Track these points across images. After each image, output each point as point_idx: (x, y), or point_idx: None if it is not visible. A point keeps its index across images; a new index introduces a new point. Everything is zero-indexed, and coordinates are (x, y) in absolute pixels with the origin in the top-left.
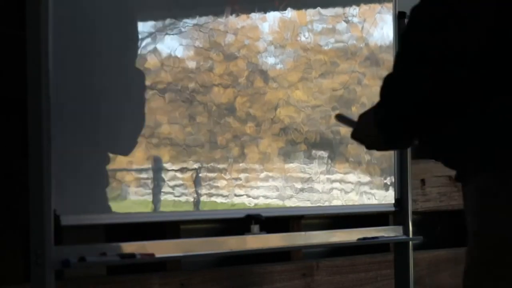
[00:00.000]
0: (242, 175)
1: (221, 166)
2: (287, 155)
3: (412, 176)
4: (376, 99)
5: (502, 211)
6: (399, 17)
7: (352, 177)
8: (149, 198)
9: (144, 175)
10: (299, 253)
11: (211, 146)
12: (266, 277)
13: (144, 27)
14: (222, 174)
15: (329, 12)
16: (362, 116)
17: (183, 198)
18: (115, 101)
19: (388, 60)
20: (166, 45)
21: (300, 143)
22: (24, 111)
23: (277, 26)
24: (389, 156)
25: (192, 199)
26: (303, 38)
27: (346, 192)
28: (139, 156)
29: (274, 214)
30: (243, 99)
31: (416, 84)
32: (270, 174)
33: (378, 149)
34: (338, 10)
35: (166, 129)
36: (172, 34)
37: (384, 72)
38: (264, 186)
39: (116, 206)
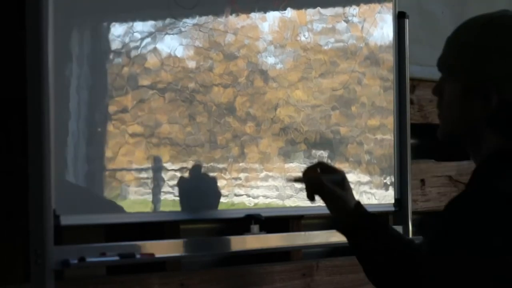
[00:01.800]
0: (242, 175)
1: (221, 165)
2: (287, 155)
3: (412, 176)
4: (376, 99)
5: None
6: (399, 17)
7: (352, 176)
8: (149, 198)
9: (144, 175)
10: (299, 253)
11: (211, 146)
12: (266, 277)
13: (144, 26)
14: (222, 174)
15: (329, 12)
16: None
17: (183, 198)
18: (115, 100)
19: (388, 60)
20: (166, 45)
21: (300, 143)
22: (24, 111)
23: (277, 26)
24: (389, 156)
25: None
26: (303, 38)
27: None
28: (139, 156)
29: (274, 214)
30: (243, 98)
31: None
32: (270, 173)
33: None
34: (338, 10)
35: (166, 128)
36: (172, 34)
37: (384, 72)
38: (264, 185)
39: (116, 206)
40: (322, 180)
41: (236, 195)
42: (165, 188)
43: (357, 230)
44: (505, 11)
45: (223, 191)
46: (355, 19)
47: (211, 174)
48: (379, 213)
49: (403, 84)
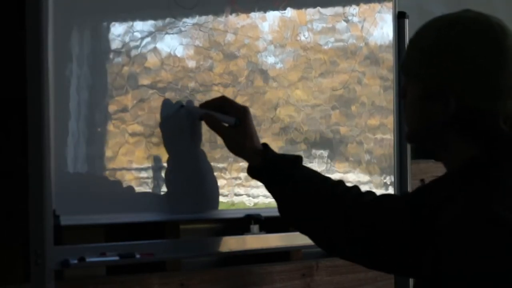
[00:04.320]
0: (242, 175)
1: (221, 165)
2: None
3: (412, 176)
4: (375, 98)
5: None
6: (399, 16)
7: (352, 176)
8: (149, 197)
9: (144, 174)
10: (299, 253)
11: (210, 145)
12: (266, 277)
13: (144, 26)
14: (222, 174)
15: (328, 11)
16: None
17: (183, 198)
18: (115, 100)
19: (388, 59)
20: (166, 44)
21: (300, 143)
22: (24, 111)
23: (277, 26)
24: (389, 156)
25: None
26: (302, 38)
27: None
28: (139, 155)
29: (274, 214)
30: (243, 98)
31: None
32: None
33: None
34: (338, 9)
35: None
36: (172, 34)
37: (384, 71)
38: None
39: (116, 206)
40: (214, 118)
41: (236, 194)
42: (165, 188)
43: (261, 174)
44: (467, 12)
45: (223, 191)
46: (355, 19)
47: (211, 174)
48: None
49: None
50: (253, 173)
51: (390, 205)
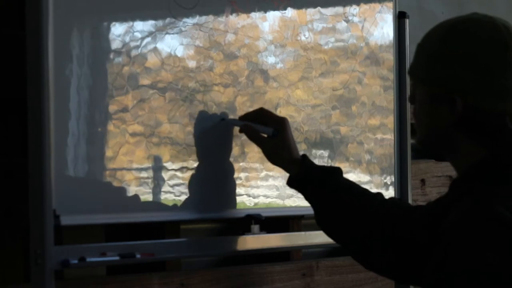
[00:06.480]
0: (242, 175)
1: None
2: None
3: (412, 176)
4: (376, 98)
5: None
6: (399, 16)
7: (352, 176)
8: (149, 197)
9: (144, 175)
10: (299, 253)
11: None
12: (266, 277)
13: (144, 26)
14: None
15: (329, 11)
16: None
17: (183, 198)
18: (116, 100)
19: (388, 59)
20: (166, 44)
21: (301, 143)
22: (24, 111)
23: (277, 26)
24: (389, 156)
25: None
26: (303, 38)
27: None
28: (139, 156)
29: (274, 214)
30: (243, 98)
31: None
32: (270, 173)
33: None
34: (338, 9)
35: (166, 128)
36: (172, 34)
37: (384, 71)
38: (264, 185)
39: (116, 206)
40: (253, 129)
41: (236, 194)
42: (165, 188)
43: (300, 183)
44: (473, 15)
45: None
46: (356, 19)
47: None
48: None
49: (403, 84)
50: (291, 183)
51: (416, 218)
